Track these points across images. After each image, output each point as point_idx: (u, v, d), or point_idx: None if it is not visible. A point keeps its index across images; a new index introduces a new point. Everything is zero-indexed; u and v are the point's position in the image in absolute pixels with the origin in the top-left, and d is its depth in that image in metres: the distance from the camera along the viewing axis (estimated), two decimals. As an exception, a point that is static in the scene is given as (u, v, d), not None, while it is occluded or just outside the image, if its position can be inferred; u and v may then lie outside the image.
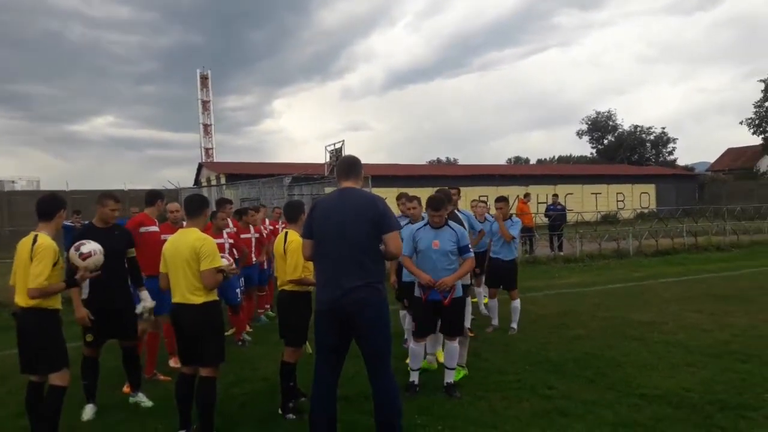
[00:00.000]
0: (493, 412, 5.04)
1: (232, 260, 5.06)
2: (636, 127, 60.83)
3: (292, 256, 5.01)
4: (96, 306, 5.06)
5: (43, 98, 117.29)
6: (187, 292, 4.46)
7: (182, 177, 46.96)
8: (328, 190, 19.17)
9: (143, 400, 5.50)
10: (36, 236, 4.29)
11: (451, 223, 5.68)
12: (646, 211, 34.73)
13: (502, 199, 8.33)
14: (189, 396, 4.63)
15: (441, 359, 6.62)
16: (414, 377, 5.68)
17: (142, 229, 6.26)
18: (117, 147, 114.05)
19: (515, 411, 5.03)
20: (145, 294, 5.52)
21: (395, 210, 5.56)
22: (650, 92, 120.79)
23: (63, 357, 4.39)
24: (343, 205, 4.20)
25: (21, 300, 4.27)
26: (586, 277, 13.78)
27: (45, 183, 36.49)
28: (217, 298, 4.69)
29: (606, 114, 62.27)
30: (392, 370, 4.26)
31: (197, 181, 38.06)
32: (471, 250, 5.71)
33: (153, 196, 6.57)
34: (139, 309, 5.48)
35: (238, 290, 7.80)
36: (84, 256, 4.53)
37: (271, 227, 9.88)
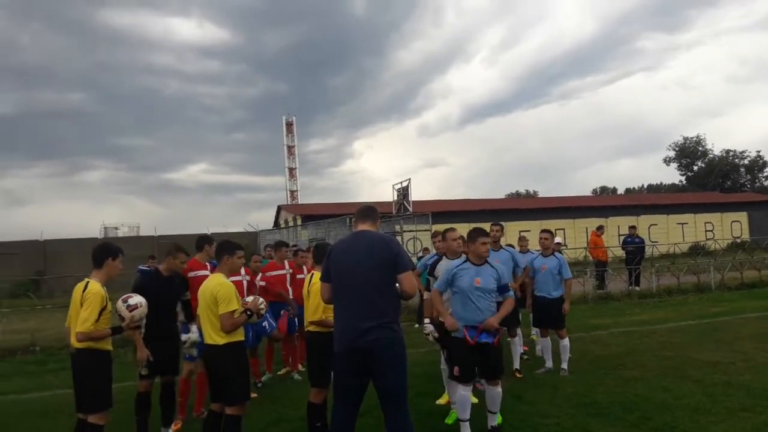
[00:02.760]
0: (522, 456, 4.91)
1: (260, 297, 5.27)
2: (728, 151, 57.65)
3: (314, 297, 5.18)
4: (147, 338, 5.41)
5: (143, 149, 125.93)
6: (212, 333, 4.75)
7: (267, 219, 48.77)
8: (395, 228, 19.39)
9: None
10: (88, 282, 4.67)
11: (491, 261, 5.67)
12: (738, 240, 32.50)
13: (547, 231, 8.19)
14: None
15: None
16: (464, 430, 5.47)
17: (191, 274, 6.65)
18: (210, 192, 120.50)
19: (544, 456, 4.88)
20: (194, 327, 5.87)
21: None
22: (743, 114, 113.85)
23: (107, 399, 4.68)
24: (357, 246, 4.35)
25: (74, 342, 4.64)
26: (659, 314, 13.08)
27: (144, 228, 38.98)
28: (242, 339, 4.90)
29: (695, 139, 59.50)
30: (408, 410, 4.27)
31: (276, 223, 39.43)
32: (511, 289, 5.67)
33: (202, 241, 6.97)
34: (184, 338, 5.83)
35: (265, 324, 7.85)
36: (131, 308, 4.99)
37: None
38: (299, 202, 49.87)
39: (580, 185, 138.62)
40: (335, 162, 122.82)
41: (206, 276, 6.64)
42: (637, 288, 16.92)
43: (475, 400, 6.56)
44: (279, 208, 41.07)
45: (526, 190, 77.99)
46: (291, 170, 55.37)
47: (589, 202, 41.15)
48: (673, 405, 6.09)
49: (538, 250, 8.44)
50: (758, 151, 57.27)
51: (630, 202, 40.31)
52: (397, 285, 4.30)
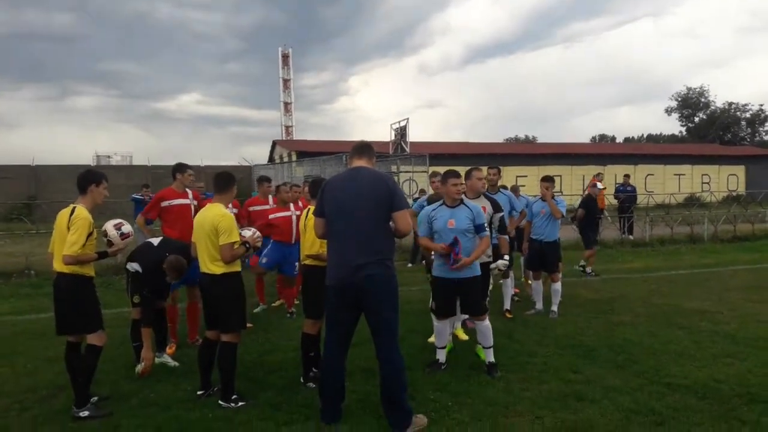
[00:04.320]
0: (509, 392, 5.02)
1: (256, 231, 5.26)
2: (730, 104, 57.07)
3: (310, 232, 5.17)
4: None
5: (134, 76, 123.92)
6: (209, 262, 4.75)
7: (260, 154, 48.46)
8: (392, 168, 19.27)
9: (168, 360, 5.92)
10: (74, 208, 4.64)
11: (466, 201, 5.66)
12: (734, 194, 32.60)
13: (548, 179, 8.15)
14: (210, 359, 4.95)
15: (461, 337, 6.66)
16: (439, 355, 5.75)
17: (164, 203, 6.63)
18: (202, 124, 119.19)
19: (532, 393, 4.99)
20: None
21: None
22: (749, 66, 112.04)
23: (97, 319, 4.73)
24: (353, 183, 4.30)
25: (57, 266, 4.64)
26: (651, 262, 13.24)
27: (137, 158, 38.58)
28: (239, 270, 4.92)
29: (698, 90, 58.80)
30: (398, 344, 4.35)
31: (271, 158, 39.16)
32: (486, 229, 5.67)
33: (174, 170, 6.86)
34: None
35: (296, 264, 8.04)
36: (124, 236, 5.07)
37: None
38: (294, 138, 49.36)
39: (579, 132, 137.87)
40: (330, 98, 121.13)
41: (184, 205, 6.68)
42: (630, 236, 17.08)
43: (465, 337, 6.73)
44: (274, 144, 40.71)
45: (525, 136, 77.48)
46: (286, 104, 54.50)
47: (588, 149, 41.00)
48: (660, 350, 6.22)
49: (536, 196, 8.44)
50: (761, 105, 56.81)
51: (628, 151, 40.17)
52: (391, 223, 4.29)
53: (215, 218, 4.73)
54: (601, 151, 38.48)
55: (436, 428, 4.27)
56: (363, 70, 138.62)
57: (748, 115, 56.56)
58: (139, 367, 5.51)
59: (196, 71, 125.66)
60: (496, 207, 6.35)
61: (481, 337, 5.66)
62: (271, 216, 7.88)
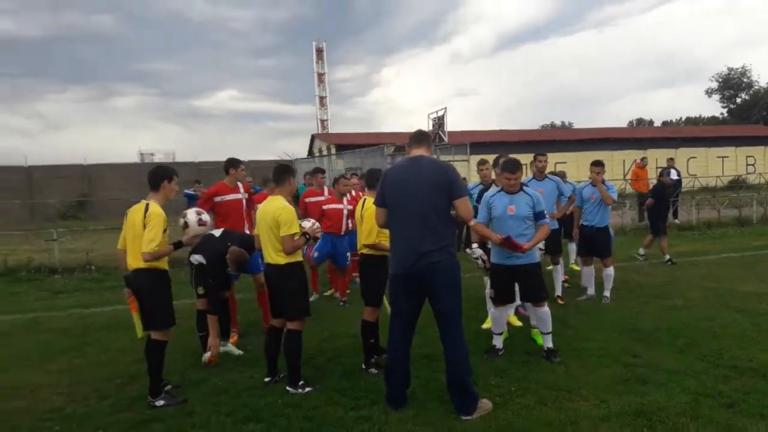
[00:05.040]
0: (570, 376, 5.05)
1: (315, 222, 5.37)
2: (775, 82, 55.06)
3: (367, 221, 5.27)
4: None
5: (171, 75, 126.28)
6: (273, 253, 4.89)
7: (297, 148, 48.91)
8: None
9: (232, 349, 6.10)
10: (147, 205, 4.74)
11: (526, 188, 5.66)
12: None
13: (599, 163, 8.06)
14: (276, 346, 5.10)
15: (514, 324, 6.67)
16: (496, 341, 5.80)
17: (217, 198, 6.80)
18: (239, 120, 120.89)
19: (593, 377, 5.01)
20: None
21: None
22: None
23: (169, 317, 4.84)
24: (414, 172, 4.37)
25: (134, 263, 4.75)
26: (699, 246, 13.00)
27: (179, 155, 39.49)
28: (301, 260, 5.05)
29: (739, 70, 56.95)
30: (462, 330, 4.42)
31: (310, 152, 39.50)
32: (547, 216, 5.67)
33: (227, 165, 7.04)
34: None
35: (348, 254, 8.26)
36: (202, 223, 5.24)
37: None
38: (329, 132, 49.56)
39: (615, 117, 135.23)
40: (362, 91, 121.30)
41: (236, 200, 6.86)
42: (676, 220, 16.76)
43: (518, 323, 6.76)
44: (313, 137, 41.02)
45: (562, 122, 76.32)
46: (321, 99, 54.69)
47: (627, 134, 40.16)
48: (720, 333, 6.15)
49: (580, 182, 8.39)
50: (809, 83, 54.69)
51: (669, 134, 39.21)
52: (453, 211, 4.35)
53: (276, 211, 4.85)
54: (641, 135, 37.66)
55: (502, 413, 4.33)
56: (395, 61, 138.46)
57: (793, 93, 54.58)
58: (206, 356, 5.71)
59: (231, 68, 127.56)
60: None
61: (539, 323, 5.69)
62: (324, 207, 8.04)
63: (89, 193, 28.92)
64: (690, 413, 4.20)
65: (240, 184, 7.01)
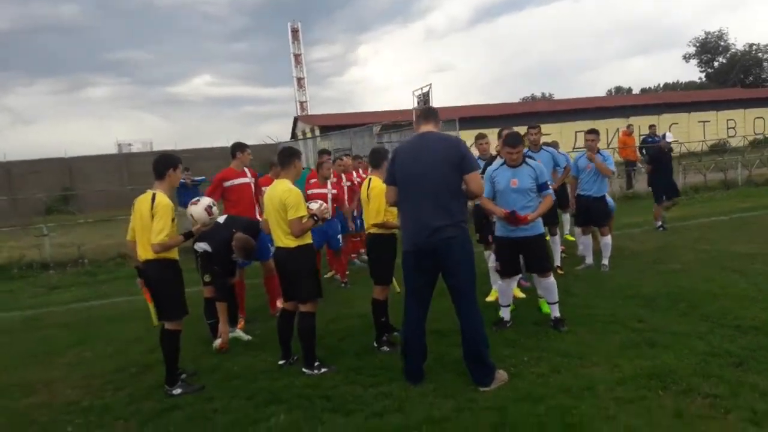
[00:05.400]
0: (580, 344, 5.15)
1: (323, 203, 5.35)
2: (751, 45, 55.63)
3: (374, 200, 5.28)
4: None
5: (144, 63, 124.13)
6: (282, 236, 4.89)
7: (278, 131, 48.49)
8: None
9: (241, 335, 6.11)
10: (154, 195, 4.68)
11: (528, 160, 5.69)
12: (760, 137, 31.99)
13: (593, 131, 8.08)
14: (289, 329, 5.15)
15: (518, 295, 6.72)
16: (504, 313, 5.87)
17: (227, 183, 6.73)
18: (216, 105, 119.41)
19: (603, 343, 5.10)
20: None
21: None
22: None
23: (181, 307, 4.82)
24: (424, 148, 4.38)
25: (145, 253, 4.71)
26: (688, 211, 13.17)
27: (157, 144, 39.02)
28: (311, 242, 5.05)
29: (716, 34, 57.32)
30: (477, 302, 4.48)
31: (293, 135, 39.18)
32: (550, 187, 5.72)
33: (233, 149, 6.97)
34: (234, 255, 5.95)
35: (339, 236, 8.26)
36: (210, 212, 5.18)
37: (363, 177, 10.19)
38: (309, 113, 49.10)
39: (594, 86, 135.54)
40: (339, 71, 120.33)
41: (245, 184, 6.81)
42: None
43: (522, 295, 6.84)
44: (295, 119, 40.64)
45: (542, 93, 76.35)
46: (299, 80, 53.84)
47: (609, 102, 40.36)
48: (719, 294, 6.28)
49: (575, 150, 8.42)
50: (784, 44, 55.22)
51: (650, 101, 39.40)
52: (463, 186, 4.37)
53: (283, 194, 4.84)
54: (623, 103, 37.82)
55: (519, 382, 4.41)
56: (371, 38, 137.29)
57: (770, 55, 55.12)
58: (217, 343, 5.72)
59: (205, 53, 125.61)
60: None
61: (546, 293, 5.77)
62: (309, 191, 7.96)
63: (72, 186, 28.52)
64: (701, 373, 4.31)
65: (247, 169, 6.93)
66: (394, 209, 5.39)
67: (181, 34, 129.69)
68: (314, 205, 5.17)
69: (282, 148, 5.35)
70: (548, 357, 4.88)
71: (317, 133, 30.13)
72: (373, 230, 5.46)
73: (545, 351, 5.03)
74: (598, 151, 7.89)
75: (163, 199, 4.63)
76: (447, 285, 4.46)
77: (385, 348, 5.37)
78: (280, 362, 5.18)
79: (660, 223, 10.88)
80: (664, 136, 11.64)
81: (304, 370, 4.94)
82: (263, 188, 6.38)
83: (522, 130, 7.91)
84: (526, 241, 5.56)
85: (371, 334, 5.63)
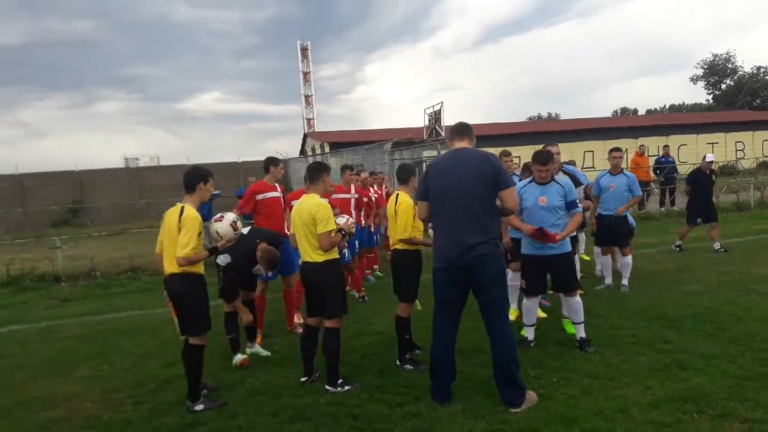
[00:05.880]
0: (608, 365, 5.06)
1: (350, 218, 5.31)
2: (759, 68, 55.73)
3: (402, 216, 5.23)
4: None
5: (155, 79, 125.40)
6: (310, 251, 4.84)
7: (285, 147, 48.70)
8: (428, 153, 19.20)
9: (260, 350, 6.04)
10: (183, 208, 4.63)
11: (557, 177, 5.65)
12: (769, 159, 31.90)
13: (618, 149, 8.05)
14: (313, 345, 5.07)
15: (539, 315, 6.58)
16: (528, 332, 5.79)
17: (259, 197, 6.77)
18: (223, 122, 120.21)
19: (631, 364, 5.02)
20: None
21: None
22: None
23: (205, 322, 4.76)
24: (459, 163, 4.34)
25: (170, 267, 4.64)
26: (702, 232, 12.97)
27: (164, 159, 39.22)
28: (338, 257, 5.00)
29: (724, 56, 57.49)
30: (509, 321, 4.41)
31: (302, 151, 39.31)
32: (579, 205, 5.68)
33: (267, 164, 7.07)
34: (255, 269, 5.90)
35: (345, 251, 8.10)
36: (235, 227, 5.21)
37: (380, 192, 10.17)
38: (316, 130, 49.36)
39: (600, 106, 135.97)
40: (347, 89, 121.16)
41: (276, 197, 6.85)
42: (674, 207, 16.90)
43: (543, 315, 6.75)
44: (305, 136, 40.86)
45: (549, 113, 76.58)
46: (307, 97, 54.34)
47: (617, 123, 40.33)
48: (744, 316, 6.20)
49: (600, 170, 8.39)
50: (790, 67, 55.36)
51: (659, 122, 39.40)
52: (498, 201, 4.33)
53: (312, 208, 4.80)
54: (633, 124, 37.84)
55: (550, 403, 4.31)
56: (379, 57, 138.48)
57: (777, 78, 55.20)
58: (238, 359, 5.66)
59: (214, 70, 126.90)
60: (575, 182, 6.34)
61: (571, 312, 5.69)
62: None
63: (82, 199, 28.64)
64: (736, 397, 4.22)
65: (277, 184, 7.01)
66: (421, 225, 5.37)
67: (192, 50, 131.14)
68: (341, 220, 5.13)
69: (310, 163, 5.34)
70: (577, 378, 4.79)
71: (327, 149, 30.19)
72: (399, 246, 5.40)
73: (573, 372, 4.94)
74: (622, 171, 7.86)
75: (191, 213, 4.59)
76: (479, 302, 4.39)
77: (409, 366, 5.29)
78: (302, 379, 5.11)
79: (679, 243, 10.77)
80: (704, 157, 11.17)
81: (327, 387, 4.86)
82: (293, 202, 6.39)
83: (526, 150, 7.91)
84: (554, 259, 5.50)
85: (392, 351, 5.56)
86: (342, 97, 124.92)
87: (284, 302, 6.92)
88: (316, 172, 5.03)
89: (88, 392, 5.30)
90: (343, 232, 4.96)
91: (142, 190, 29.81)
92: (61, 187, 28.49)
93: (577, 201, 5.67)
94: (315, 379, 5.09)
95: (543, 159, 5.48)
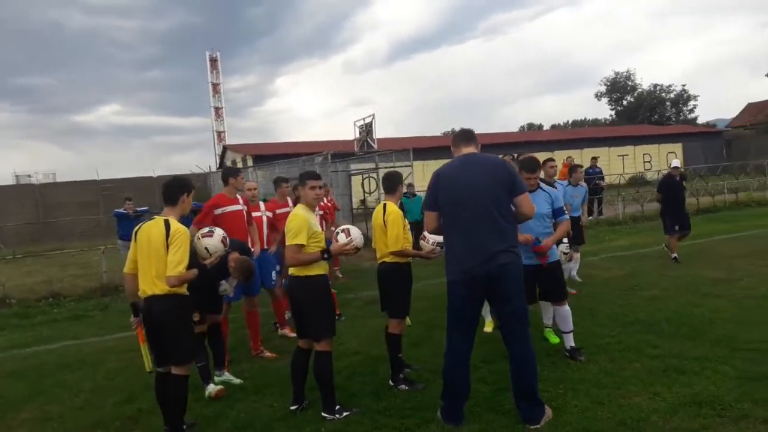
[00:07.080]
0: (606, 373, 4.95)
1: (352, 239, 4.83)
2: (655, 86, 59.82)
3: (392, 227, 4.92)
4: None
5: (47, 89, 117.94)
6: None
7: (194, 161, 46.93)
8: (359, 166, 18.99)
9: (231, 378, 5.52)
10: (167, 221, 4.10)
11: (543, 185, 5.56)
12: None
13: (552, 159, 8.10)
14: (304, 370, 4.63)
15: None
16: None
17: (218, 211, 6.25)
18: (124, 135, 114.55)
19: (630, 371, 4.94)
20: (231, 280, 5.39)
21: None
22: (666, 48, 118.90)
23: (192, 349, 4.34)
24: (472, 169, 4.11)
25: (149, 288, 4.07)
26: (637, 239, 13.60)
27: (61, 175, 36.50)
28: (325, 273, 4.60)
29: (625, 74, 61.34)
30: (530, 334, 4.17)
31: (222, 165, 38.07)
32: (565, 212, 5.61)
33: (225, 175, 6.59)
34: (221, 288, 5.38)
35: (274, 273, 7.21)
36: (224, 243, 4.78)
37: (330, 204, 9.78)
38: (226, 143, 48.07)
39: (507, 121, 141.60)
40: (257, 101, 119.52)
41: (238, 211, 6.34)
42: (602, 216, 17.57)
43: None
44: (225, 149, 39.66)
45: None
46: (217, 110, 52.74)
47: (531, 137, 42.09)
48: (715, 318, 6.32)
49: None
50: (683, 85, 60.02)
51: (572, 136, 41.44)
52: (513, 207, 4.13)
53: (288, 219, 4.47)
54: (541, 138, 39.55)
55: (568, 417, 4.13)
56: (291, 70, 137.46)
57: (672, 95, 59.36)
58: (212, 389, 5.12)
59: (114, 81, 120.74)
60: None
61: (561, 321, 5.58)
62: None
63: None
64: (746, 397, 4.20)
65: (239, 196, 6.47)
66: (410, 236, 5.09)
67: (89, 60, 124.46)
68: (342, 237, 4.70)
69: (301, 173, 4.93)
70: (583, 388, 4.64)
71: (250, 162, 29.35)
72: (388, 259, 5.06)
73: (575, 382, 4.80)
74: (555, 181, 7.92)
75: (179, 227, 4.09)
76: (499, 313, 4.15)
77: (404, 386, 4.95)
78: (292, 407, 4.65)
79: (674, 255, 10.25)
80: (671, 163, 10.98)
81: (324, 415, 4.44)
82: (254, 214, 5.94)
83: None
84: (542, 269, 5.37)
85: (378, 371, 5.27)
86: (253, 110, 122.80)
87: (247, 326, 6.40)
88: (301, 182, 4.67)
89: (39, 438, 4.60)
90: (326, 256, 4.51)
91: (46, 209, 27.67)
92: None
93: (563, 208, 5.61)
94: (305, 407, 4.65)
95: (531, 166, 5.37)
